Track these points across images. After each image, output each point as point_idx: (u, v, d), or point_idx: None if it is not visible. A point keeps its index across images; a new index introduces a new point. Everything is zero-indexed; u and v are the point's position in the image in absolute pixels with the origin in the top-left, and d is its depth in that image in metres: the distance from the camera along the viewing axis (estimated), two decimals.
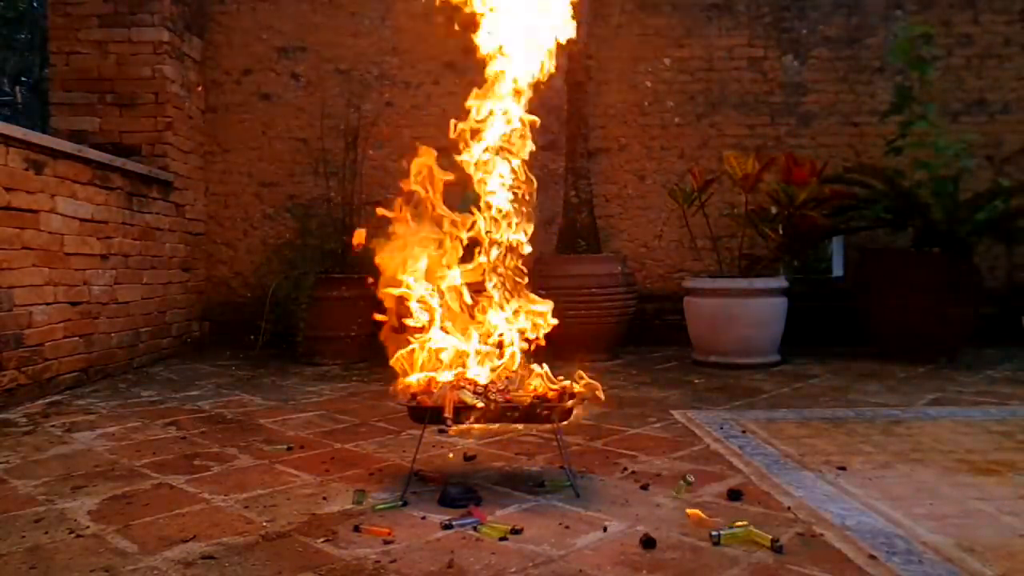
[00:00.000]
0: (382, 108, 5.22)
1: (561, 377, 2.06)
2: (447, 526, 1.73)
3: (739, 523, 1.69)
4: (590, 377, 2.02)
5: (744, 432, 2.64)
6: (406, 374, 2.05)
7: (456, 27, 2.37)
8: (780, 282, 4.25)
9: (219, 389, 3.62)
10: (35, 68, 8.14)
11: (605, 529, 1.71)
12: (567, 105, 4.84)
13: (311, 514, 1.84)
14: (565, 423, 2.02)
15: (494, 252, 2.08)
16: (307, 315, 4.24)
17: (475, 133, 2.11)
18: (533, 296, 2.14)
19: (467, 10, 2.15)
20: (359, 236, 2.21)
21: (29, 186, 3.31)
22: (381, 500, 1.92)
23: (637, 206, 5.36)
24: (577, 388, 2.02)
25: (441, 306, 2.07)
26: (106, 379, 3.90)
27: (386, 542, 1.65)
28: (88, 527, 1.77)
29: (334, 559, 1.57)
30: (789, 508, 1.85)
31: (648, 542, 1.61)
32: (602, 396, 2.02)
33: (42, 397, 3.36)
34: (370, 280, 2.14)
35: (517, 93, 2.12)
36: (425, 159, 2.09)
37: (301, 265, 4.39)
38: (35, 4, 8.06)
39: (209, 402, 3.31)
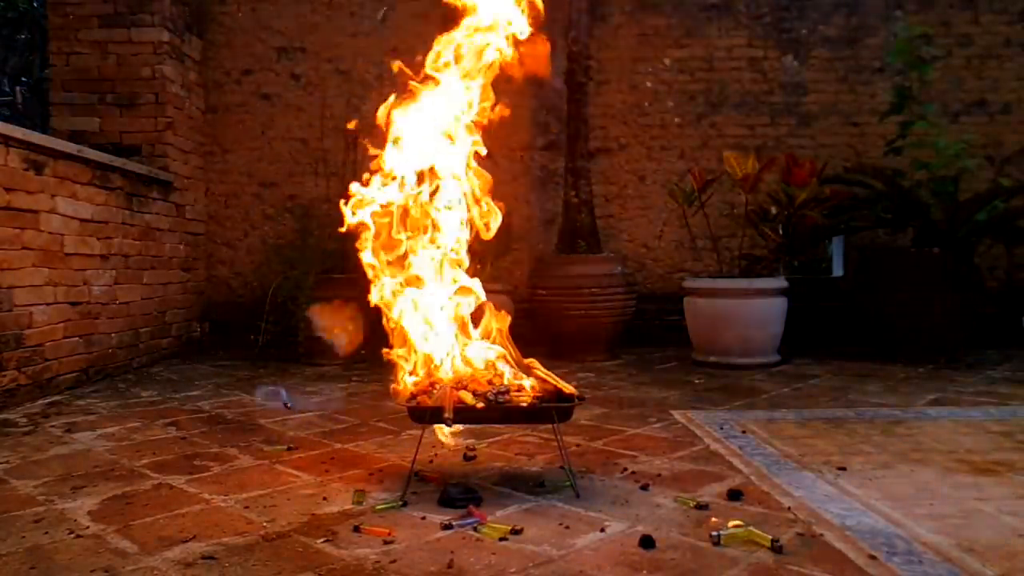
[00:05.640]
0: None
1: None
2: (447, 526, 1.73)
3: (738, 523, 1.69)
4: (591, 377, 2.01)
5: (744, 432, 2.64)
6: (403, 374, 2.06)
7: (456, 27, 2.36)
8: (780, 282, 4.25)
9: (219, 389, 3.62)
10: (35, 68, 8.13)
11: (604, 529, 1.71)
12: (567, 105, 4.84)
13: (311, 514, 1.84)
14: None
15: None
16: (307, 315, 4.24)
17: None
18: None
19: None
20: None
21: (29, 186, 3.31)
22: (381, 500, 1.92)
23: (637, 206, 5.36)
24: (569, 389, 2.02)
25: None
26: (106, 379, 3.90)
27: (386, 542, 1.65)
28: (88, 527, 1.77)
29: (334, 559, 1.57)
30: (789, 508, 1.85)
31: (648, 542, 1.61)
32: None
33: (42, 397, 3.37)
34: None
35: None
36: None
37: (301, 265, 4.39)
38: (35, 4, 8.06)
39: (209, 402, 3.31)
